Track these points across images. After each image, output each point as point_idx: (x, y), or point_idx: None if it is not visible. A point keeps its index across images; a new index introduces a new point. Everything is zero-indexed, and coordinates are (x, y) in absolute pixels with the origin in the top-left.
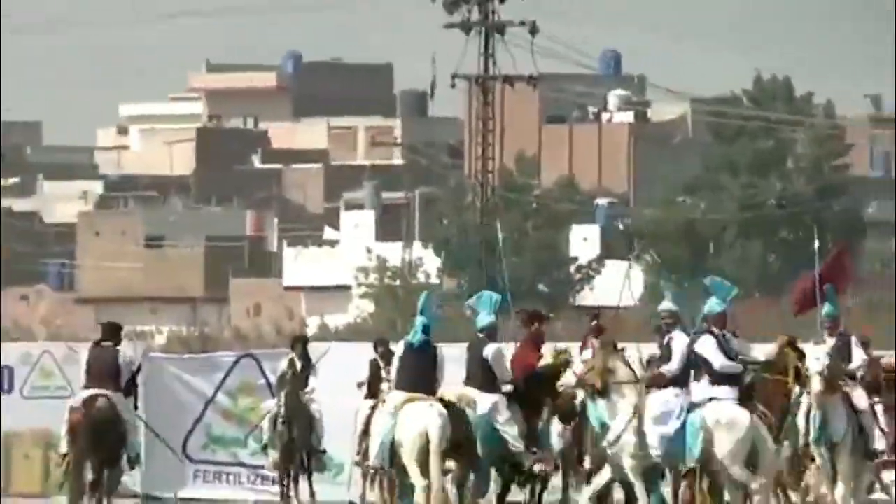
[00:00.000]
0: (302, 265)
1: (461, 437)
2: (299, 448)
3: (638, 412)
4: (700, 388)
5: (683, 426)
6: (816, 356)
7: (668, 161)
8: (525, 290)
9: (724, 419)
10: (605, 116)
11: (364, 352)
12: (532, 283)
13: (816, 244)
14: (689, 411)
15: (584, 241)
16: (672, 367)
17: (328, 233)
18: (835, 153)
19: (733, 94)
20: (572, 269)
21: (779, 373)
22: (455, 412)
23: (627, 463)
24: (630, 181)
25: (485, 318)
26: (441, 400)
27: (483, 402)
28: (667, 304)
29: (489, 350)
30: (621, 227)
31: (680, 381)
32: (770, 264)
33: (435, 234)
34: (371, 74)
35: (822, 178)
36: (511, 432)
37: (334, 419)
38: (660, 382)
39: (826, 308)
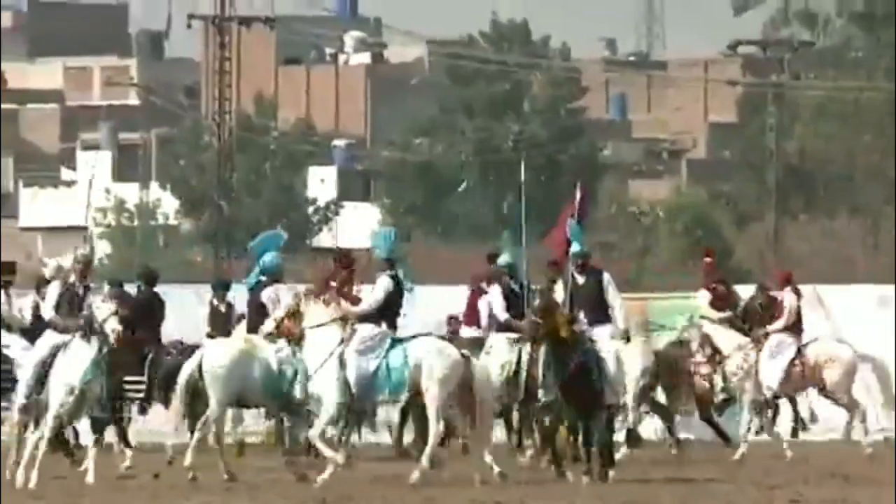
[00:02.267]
0: (39, 206)
1: None
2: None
3: None
4: None
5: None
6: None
7: (404, 103)
8: (263, 231)
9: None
10: (341, 58)
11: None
12: (270, 224)
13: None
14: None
15: (321, 182)
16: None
17: (65, 174)
18: (570, 96)
19: (470, 37)
20: (310, 210)
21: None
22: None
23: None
24: (367, 123)
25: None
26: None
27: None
28: None
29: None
30: (359, 168)
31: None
32: (509, 207)
33: (172, 174)
34: (106, 14)
35: (559, 120)
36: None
37: None
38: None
39: (574, 247)
